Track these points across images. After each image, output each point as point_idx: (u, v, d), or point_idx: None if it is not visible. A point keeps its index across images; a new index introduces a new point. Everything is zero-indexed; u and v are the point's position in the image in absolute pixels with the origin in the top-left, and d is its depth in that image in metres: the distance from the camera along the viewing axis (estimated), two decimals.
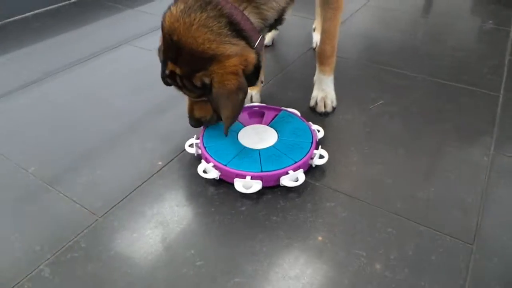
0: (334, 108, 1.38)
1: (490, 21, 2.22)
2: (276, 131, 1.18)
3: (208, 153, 1.09)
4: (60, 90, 1.52)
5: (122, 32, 1.97)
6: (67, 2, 2.32)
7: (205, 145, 1.12)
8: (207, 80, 0.95)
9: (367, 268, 0.87)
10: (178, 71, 0.97)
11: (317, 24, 1.83)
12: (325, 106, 1.36)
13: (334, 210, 1.01)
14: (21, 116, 1.36)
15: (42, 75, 1.59)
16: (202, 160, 1.10)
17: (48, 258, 0.88)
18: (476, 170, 1.13)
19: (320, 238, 0.93)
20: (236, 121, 1.21)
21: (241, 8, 0.96)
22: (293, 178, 1.04)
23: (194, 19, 0.92)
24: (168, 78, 1.01)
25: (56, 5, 2.27)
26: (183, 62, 0.95)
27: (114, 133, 1.27)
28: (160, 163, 1.14)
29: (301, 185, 1.05)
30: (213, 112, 1.09)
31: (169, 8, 0.97)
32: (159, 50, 1.03)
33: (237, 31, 0.95)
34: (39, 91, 1.51)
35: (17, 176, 1.11)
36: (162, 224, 0.96)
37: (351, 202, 1.03)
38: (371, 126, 1.32)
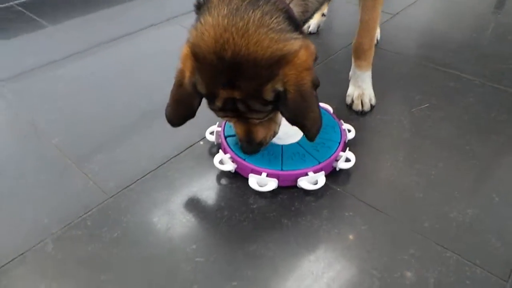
0: (372, 107, 1.27)
1: None
2: None
3: (227, 143, 1.04)
4: (100, 63, 1.53)
5: (166, 9, 1.95)
6: None
7: (225, 135, 1.06)
8: (280, 88, 0.78)
9: None
10: (237, 95, 0.78)
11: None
12: (362, 105, 1.25)
13: (353, 221, 0.92)
14: (57, 87, 1.39)
15: (86, 47, 1.61)
16: (220, 150, 1.05)
17: (54, 233, 0.89)
18: None
19: (332, 250, 0.86)
20: None
21: (287, 0, 0.82)
22: (312, 181, 0.97)
23: (249, 21, 0.74)
24: (222, 111, 0.84)
25: None
26: (245, 80, 0.76)
27: (140, 112, 1.26)
28: (179, 148, 1.11)
29: (320, 188, 0.97)
30: (278, 127, 0.97)
31: (200, 21, 0.78)
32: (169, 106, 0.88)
33: (294, 24, 0.80)
34: (80, 62, 1.53)
35: (40, 145, 1.13)
36: (169, 213, 0.94)
37: (373, 214, 0.94)
38: (411, 131, 1.19)
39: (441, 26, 1.88)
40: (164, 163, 1.07)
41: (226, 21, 0.75)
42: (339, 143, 1.04)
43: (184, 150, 1.11)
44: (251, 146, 0.93)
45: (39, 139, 1.15)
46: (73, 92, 1.36)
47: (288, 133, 1.07)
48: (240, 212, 0.94)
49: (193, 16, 1.99)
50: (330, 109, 1.19)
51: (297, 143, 1.05)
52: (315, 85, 0.82)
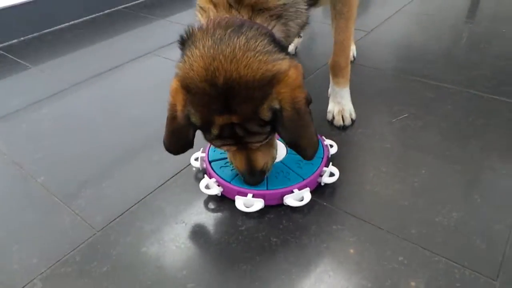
0: (353, 121, 1.30)
1: None
2: (286, 144, 1.12)
3: (212, 168, 1.05)
4: (82, 100, 1.55)
5: (149, 42, 2.00)
6: (101, 13, 2.40)
7: (209, 160, 1.08)
8: (277, 105, 0.79)
9: None
10: (234, 119, 0.80)
11: None
12: (343, 120, 1.28)
13: (341, 234, 0.93)
14: (41, 126, 1.40)
15: (68, 86, 1.64)
16: (205, 175, 1.06)
17: (42, 272, 0.88)
18: (509, 194, 1.01)
19: (322, 264, 0.86)
20: None
21: (269, 27, 0.86)
22: (298, 198, 0.98)
23: (235, 47, 0.76)
24: (220, 139, 0.85)
25: (91, 16, 2.35)
26: (240, 103, 0.78)
27: (124, 146, 1.27)
28: (164, 177, 1.12)
29: (307, 204, 0.98)
30: (276, 151, 0.98)
31: (186, 55, 0.80)
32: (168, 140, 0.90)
33: (279, 46, 0.83)
34: (63, 101, 1.55)
35: (26, 185, 1.13)
36: (158, 241, 0.94)
37: (361, 225, 0.95)
38: (392, 141, 1.22)
39: (416, 39, 1.94)
40: (150, 193, 1.07)
41: (212, 50, 0.77)
42: (322, 159, 1.06)
43: (169, 179, 1.12)
44: (254, 176, 0.93)
45: (25, 179, 1.15)
46: (57, 130, 1.37)
47: None
48: (229, 235, 0.94)
49: (174, 47, 2.04)
50: None
51: (281, 162, 1.07)
52: (308, 101, 0.84)
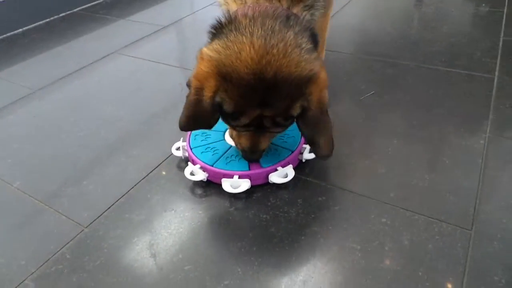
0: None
1: (483, 4, 2.17)
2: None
3: (194, 154, 1.07)
4: (50, 103, 1.50)
5: (112, 42, 1.96)
6: (56, 16, 2.32)
7: (191, 147, 1.09)
8: (306, 104, 0.81)
9: (362, 261, 0.83)
10: (268, 112, 0.81)
11: None
12: None
13: (326, 204, 0.97)
14: (8, 132, 1.35)
15: (32, 90, 1.58)
16: (189, 162, 1.07)
17: (33, 272, 0.86)
18: (473, 154, 1.09)
19: (312, 233, 0.90)
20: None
21: (302, 17, 0.85)
22: (282, 175, 1.01)
23: (286, 42, 0.75)
24: (245, 126, 0.86)
25: (44, 21, 2.27)
26: (279, 99, 0.79)
27: (102, 143, 1.25)
28: (146, 169, 1.12)
29: (291, 181, 1.02)
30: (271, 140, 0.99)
31: (228, 39, 0.76)
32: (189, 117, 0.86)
33: (315, 43, 0.83)
34: (29, 106, 1.49)
35: (1, 191, 1.09)
36: (149, 230, 0.94)
37: (343, 194, 0.99)
38: (362, 117, 1.28)
39: (371, 23, 2.04)
40: (135, 186, 1.07)
41: (264, 41, 0.74)
42: (301, 137, 1.10)
43: (152, 170, 1.12)
44: (255, 154, 0.95)
45: (1, 185, 1.11)
46: (28, 134, 1.33)
47: None
48: (219, 216, 0.96)
49: (139, 45, 2.01)
50: None
51: None
52: (329, 102, 0.87)
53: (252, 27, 0.76)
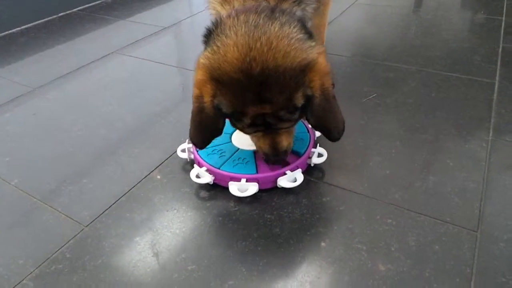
0: None
1: (482, 11, 2.20)
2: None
3: (200, 156, 1.05)
4: (49, 101, 1.48)
5: (111, 42, 1.95)
6: (55, 16, 2.30)
7: (197, 149, 1.07)
8: (309, 93, 0.80)
9: (368, 262, 0.82)
10: (268, 109, 0.80)
11: None
12: None
13: (330, 204, 0.96)
14: (7, 130, 1.33)
15: (31, 88, 1.56)
16: (195, 165, 1.05)
17: (32, 272, 0.84)
18: (476, 156, 1.09)
19: (317, 234, 0.89)
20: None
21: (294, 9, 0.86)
22: (291, 179, 0.99)
23: (271, 34, 0.74)
24: (251, 127, 0.85)
25: (44, 20, 2.25)
26: (275, 93, 0.77)
27: (102, 142, 1.24)
28: (148, 168, 1.10)
29: None
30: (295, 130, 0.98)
31: (215, 45, 0.77)
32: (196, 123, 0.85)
33: (308, 32, 0.81)
34: (28, 103, 1.47)
35: (0, 189, 1.07)
36: (151, 229, 0.92)
37: (348, 195, 0.99)
38: (365, 119, 1.28)
39: (372, 29, 2.04)
40: (136, 185, 1.05)
41: (247, 38, 0.74)
42: (309, 142, 1.08)
43: (153, 170, 1.10)
44: (278, 156, 0.93)
45: None
46: (26, 132, 1.30)
47: None
48: (223, 216, 0.94)
49: (139, 45, 2.00)
50: None
51: None
52: (333, 85, 0.84)
53: (236, 26, 0.77)
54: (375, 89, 1.43)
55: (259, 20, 0.76)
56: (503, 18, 2.06)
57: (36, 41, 2.02)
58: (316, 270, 0.81)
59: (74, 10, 2.40)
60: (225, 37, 0.77)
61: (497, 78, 1.48)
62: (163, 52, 1.85)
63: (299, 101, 0.80)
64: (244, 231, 0.90)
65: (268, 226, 0.91)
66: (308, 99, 0.81)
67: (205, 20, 2.24)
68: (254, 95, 0.78)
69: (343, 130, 0.88)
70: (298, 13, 0.87)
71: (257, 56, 0.74)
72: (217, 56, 0.77)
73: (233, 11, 0.80)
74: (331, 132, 0.87)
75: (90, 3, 2.48)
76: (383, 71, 1.57)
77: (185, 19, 2.25)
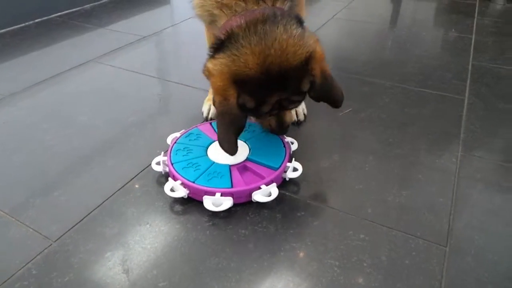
0: (305, 116, 1.36)
1: (453, 30, 2.28)
2: (247, 144, 1.14)
3: (175, 169, 1.04)
4: (22, 109, 1.44)
5: (89, 50, 1.92)
6: (31, 22, 2.26)
7: (172, 162, 1.06)
8: (312, 79, 0.95)
9: (341, 278, 0.83)
10: (284, 95, 0.95)
11: None
12: (297, 115, 1.34)
13: (305, 219, 0.97)
14: None
15: (2, 96, 1.52)
16: (169, 178, 1.04)
17: None
18: (446, 172, 1.12)
19: (291, 249, 0.89)
20: (205, 135, 1.17)
21: (285, 8, 0.96)
22: (266, 193, 1.00)
23: (280, 39, 0.89)
24: (268, 112, 0.99)
25: (18, 26, 2.20)
26: (288, 84, 0.93)
27: (76, 152, 1.21)
28: (122, 180, 1.08)
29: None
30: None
31: (232, 54, 0.89)
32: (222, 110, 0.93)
33: (302, 25, 0.95)
34: None
35: None
36: (122, 245, 0.90)
37: (322, 210, 0.99)
38: (341, 133, 1.30)
39: (348, 43, 2.09)
40: (109, 198, 1.03)
41: (262, 47, 0.88)
42: (285, 154, 1.09)
43: (127, 182, 1.08)
44: (283, 129, 1.10)
45: None
46: None
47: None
48: (196, 231, 0.93)
49: (118, 54, 1.98)
50: None
51: (249, 158, 1.08)
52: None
53: (249, 36, 0.89)
54: (350, 103, 1.45)
55: (267, 27, 0.89)
56: (473, 36, 2.14)
57: (10, 47, 1.98)
58: (289, 286, 0.81)
59: (52, 16, 2.36)
60: (241, 46, 0.89)
61: (466, 94, 1.54)
62: (143, 61, 1.83)
63: (306, 86, 0.95)
64: (218, 246, 0.90)
65: (242, 241, 0.91)
66: (312, 83, 0.95)
67: (187, 29, 2.25)
68: (273, 88, 0.92)
69: (343, 98, 1.03)
70: (288, 4, 0.97)
71: (274, 61, 0.89)
72: (238, 63, 0.89)
73: (241, 20, 0.90)
74: (334, 102, 1.02)
75: (68, 9, 2.45)
76: (359, 85, 1.60)
77: (166, 28, 2.24)
